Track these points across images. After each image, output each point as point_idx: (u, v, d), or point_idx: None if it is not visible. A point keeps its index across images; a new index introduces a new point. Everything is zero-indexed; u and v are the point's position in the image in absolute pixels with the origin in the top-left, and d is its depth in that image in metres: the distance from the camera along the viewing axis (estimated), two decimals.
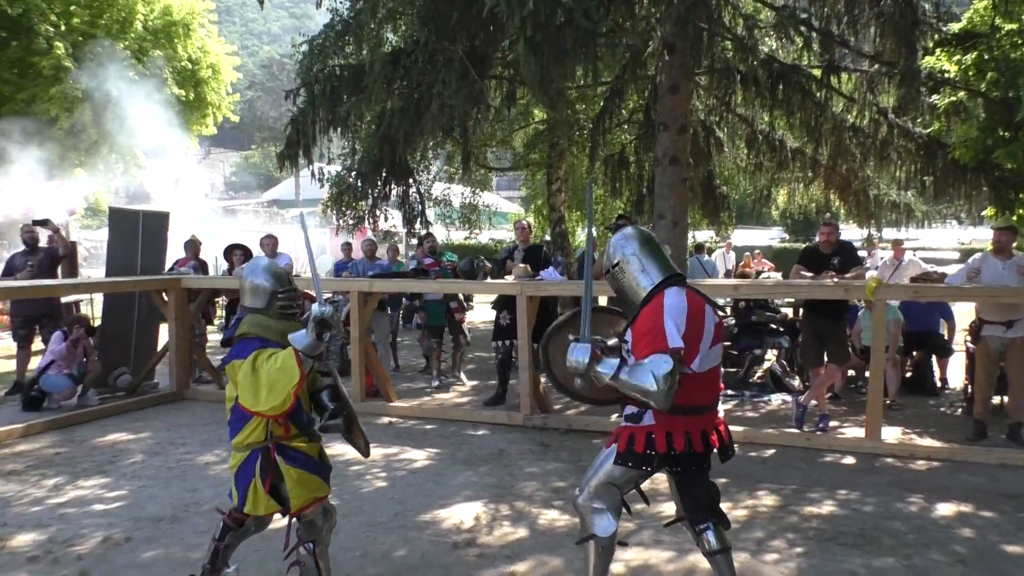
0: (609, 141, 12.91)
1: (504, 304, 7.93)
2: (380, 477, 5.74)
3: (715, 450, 3.17)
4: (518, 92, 11.55)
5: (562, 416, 7.31)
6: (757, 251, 17.86)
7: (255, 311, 3.53)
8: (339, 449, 6.43)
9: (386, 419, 7.54)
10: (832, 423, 6.94)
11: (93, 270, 17.81)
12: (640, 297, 3.12)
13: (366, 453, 3.81)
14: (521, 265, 7.73)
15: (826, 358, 6.93)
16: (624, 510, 3.32)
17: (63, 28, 19.11)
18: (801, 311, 7.86)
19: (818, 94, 9.94)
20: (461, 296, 8.40)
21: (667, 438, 3.05)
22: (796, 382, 8.53)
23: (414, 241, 12.10)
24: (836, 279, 6.68)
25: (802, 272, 6.97)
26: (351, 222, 12.15)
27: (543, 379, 6.98)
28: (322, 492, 3.56)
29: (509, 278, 7.81)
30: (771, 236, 29.03)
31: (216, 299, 10.65)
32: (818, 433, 6.66)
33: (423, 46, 8.49)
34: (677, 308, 3.00)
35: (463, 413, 7.58)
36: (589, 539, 3.21)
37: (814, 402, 6.95)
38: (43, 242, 8.95)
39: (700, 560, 4.11)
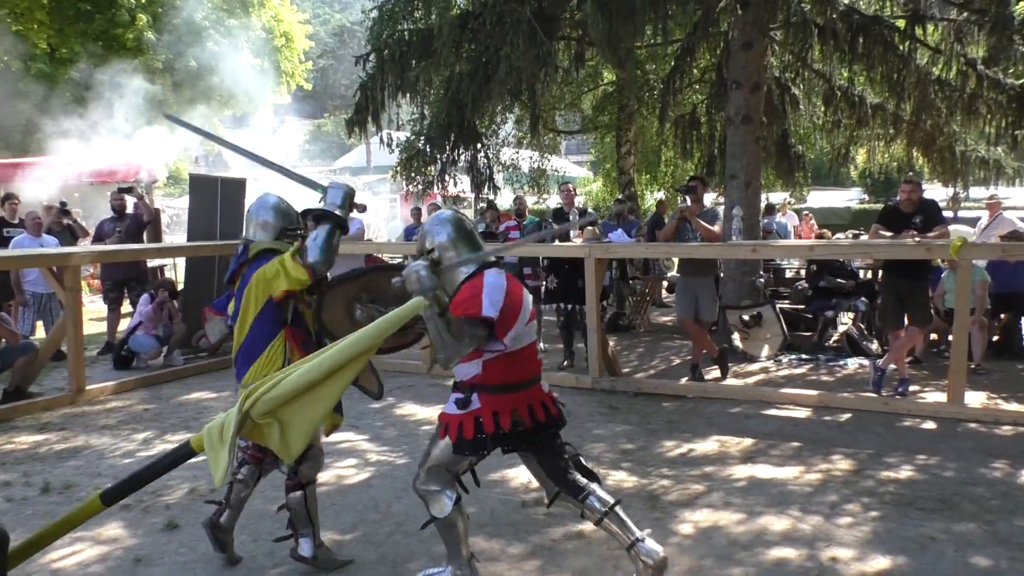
0: (680, 101, 12.64)
1: (552, 268, 7.94)
2: None
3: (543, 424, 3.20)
4: (587, 53, 11.38)
5: (630, 379, 7.29)
6: (805, 212, 17.10)
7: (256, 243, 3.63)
8: (410, 409, 6.60)
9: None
10: (912, 387, 6.73)
11: (175, 236, 18.47)
12: (457, 284, 3.17)
13: (379, 396, 3.81)
14: (590, 228, 7.68)
15: (907, 321, 6.71)
16: (464, 490, 3.36)
17: (144, 0, 19.68)
18: (880, 272, 7.61)
19: (901, 46, 9.48)
20: (543, 261, 8.37)
21: (494, 418, 3.10)
22: (874, 346, 8.29)
23: (482, 205, 12.14)
24: (918, 238, 6.43)
25: (881, 232, 6.73)
26: (420, 187, 12.29)
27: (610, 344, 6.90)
28: (338, 421, 3.63)
29: (577, 240, 7.78)
30: (849, 197, 27.94)
31: None
32: (897, 397, 6.48)
33: (491, 8, 8.43)
34: (496, 286, 3.07)
35: None
36: (429, 523, 3.28)
37: (893, 366, 6.75)
38: (129, 208, 9.31)
39: (771, 522, 4.09)
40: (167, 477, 4.90)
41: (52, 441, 5.80)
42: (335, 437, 5.80)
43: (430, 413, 6.46)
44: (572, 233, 7.76)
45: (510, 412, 3.12)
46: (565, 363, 7.92)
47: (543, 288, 8.25)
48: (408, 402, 6.84)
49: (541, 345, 8.98)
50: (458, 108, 9.64)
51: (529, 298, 3.23)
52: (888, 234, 6.65)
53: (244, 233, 3.79)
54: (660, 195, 16.62)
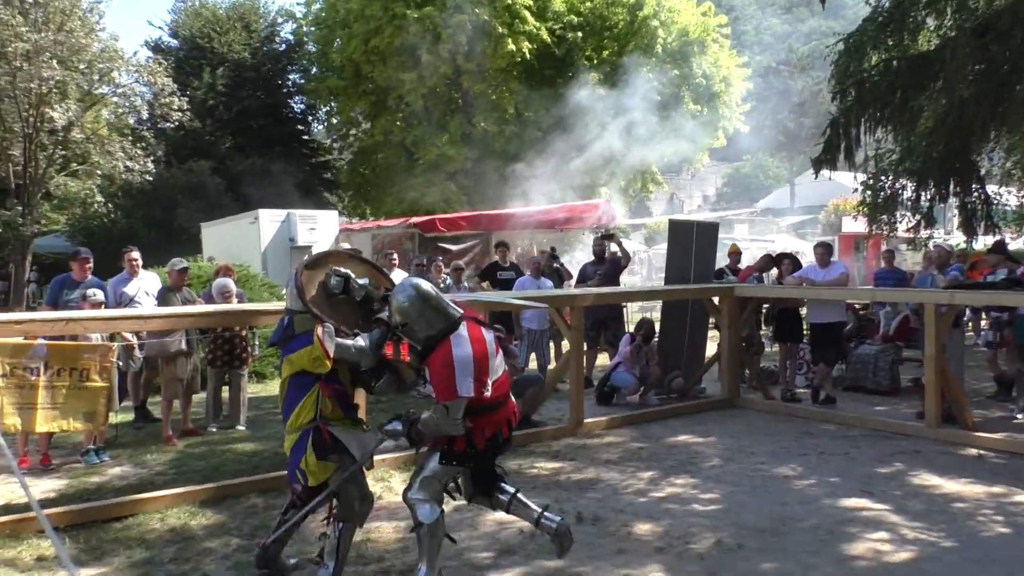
0: None
1: None
2: (996, 521, 4.95)
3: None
4: None
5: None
6: None
7: (299, 312, 4.00)
8: (927, 479, 5.76)
9: (973, 451, 6.60)
10: None
11: (628, 277, 19.49)
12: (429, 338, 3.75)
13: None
14: None
15: None
16: (450, 496, 3.94)
17: (595, 61, 21.47)
18: None
19: None
20: None
21: (483, 434, 3.75)
22: None
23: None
24: None
25: None
26: (885, 228, 11.30)
27: None
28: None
29: None
30: None
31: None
32: None
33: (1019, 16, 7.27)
34: (463, 359, 3.61)
35: None
36: (417, 528, 3.73)
37: None
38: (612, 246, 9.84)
39: None
40: (686, 523, 4.92)
41: (567, 470, 6.18)
42: (852, 502, 5.31)
43: (955, 487, 5.59)
44: None
45: (494, 427, 3.80)
46: None
47: None
48: (921, 470, 6.04)
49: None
50: (960, 138, 8.52)
51: (491, 338, 3.81)
52: None
53: (288, 303, 4.20)
54: None
